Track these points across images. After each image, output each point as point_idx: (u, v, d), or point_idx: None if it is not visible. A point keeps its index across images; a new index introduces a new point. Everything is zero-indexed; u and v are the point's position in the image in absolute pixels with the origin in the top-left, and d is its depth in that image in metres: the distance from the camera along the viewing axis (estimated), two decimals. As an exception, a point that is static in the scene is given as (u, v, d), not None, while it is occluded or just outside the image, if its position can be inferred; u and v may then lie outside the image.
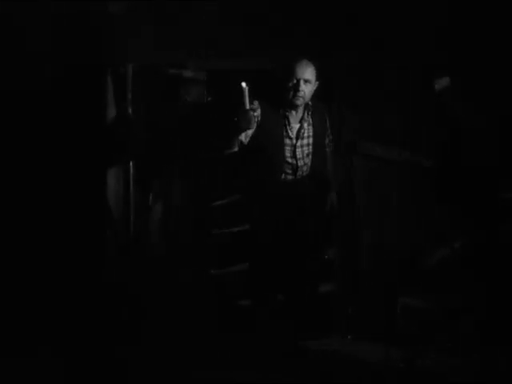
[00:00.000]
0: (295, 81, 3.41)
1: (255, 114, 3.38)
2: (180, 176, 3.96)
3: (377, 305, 3.88)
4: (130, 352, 3.57)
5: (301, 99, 3.43)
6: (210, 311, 3.97)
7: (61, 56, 3.87)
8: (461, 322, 3.54)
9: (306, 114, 3.55)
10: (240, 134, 3.37)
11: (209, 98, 4.18)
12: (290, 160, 3.54)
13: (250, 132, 3.42)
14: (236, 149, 3.44)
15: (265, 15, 3.94)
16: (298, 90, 3.41)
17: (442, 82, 3.89)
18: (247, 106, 3.23)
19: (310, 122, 3.57)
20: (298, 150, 3.55)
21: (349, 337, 3.82)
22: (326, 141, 3.72)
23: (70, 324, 3.74)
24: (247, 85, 3.19)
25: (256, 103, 3.42)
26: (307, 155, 3.58)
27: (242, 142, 3.43)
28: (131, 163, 3.89)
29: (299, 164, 3.55)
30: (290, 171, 3.56)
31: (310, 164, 3.60)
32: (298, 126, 3.55)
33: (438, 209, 3.94)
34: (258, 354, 3.54)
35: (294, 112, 3.52)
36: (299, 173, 3.57)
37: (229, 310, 4.11)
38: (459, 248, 3.82)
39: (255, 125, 3.37)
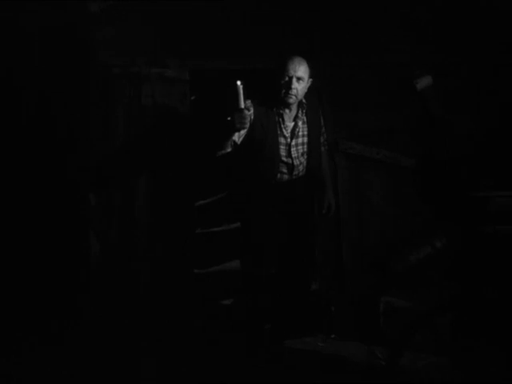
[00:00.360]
0: (287, 78, 3.34)
1: (249, 112, 3.28)
2: (165, 175, 3.96)
3: (360, 304, 3.88)
4: (115, 349, 3.56)
5: (293, 97, 3.36)
6: (193, 310, 3.97)
7: (43, 57, 3.85)
8: (443, 321, 3.55)
9: (300, 112, 3.48)
10: (234, 133, 3.28)
11: (192, 97, 4.17)
12: (285, 159, 3.47)
13: (243, 132, 3.33)
14: (229, 149, 3.35)
15: (252, 15, 3.93)
16: (291, 88, 3.33)
17: (424, 81, 3.90)
18: (242, 105, 3.14)
19: (305, 120, 3.51)
20: (293, 150, 3.48)
21: (332, 336, 3.83)
22: (321, 140, 3.67)
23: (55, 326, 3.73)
24: (242, 83, 3.11)
25: (249, 102, 3.34)
26: (302, 154, 3.51)
27: (235, 142, 3.35)
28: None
29: (295, 163, 3.49)
30: (285, 171, 3.49)
31: (305, 163, 3.54)
32: (292, 124, 3.49)
33: (419, 208, 3.94)
34: (242, 354, 3.54)
35: (287, 110, 3.45)
36: (295, 172, 3.51)
37: (212, 310, 4.10)
38: (441, 247, 3.83)
39: (249, 124, 3.27)
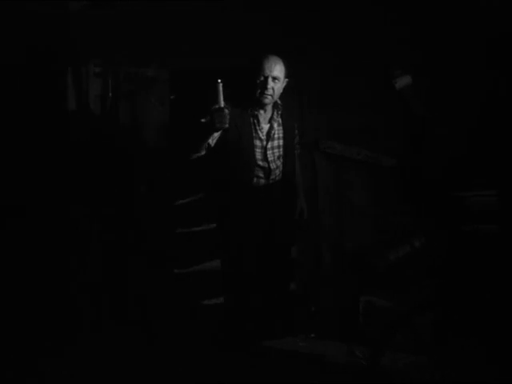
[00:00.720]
0: (263, 78, 3.27)
1: (228, 112, 3.13)
2: (145, 175, 3.95)
3: (340, 303, 3.89)
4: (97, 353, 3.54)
5: (269, 97, 3.29)
6: (174, 310, 3.96)
7: (20, 55, 3.80)
8: (423, 320, 3.57)
9: (275, 113, 3.41)
10: (213, 133, 3.19)
11: (172, 97, 4.14)
12: (261, 163, 3.38)
13: (216, 134, 3.24)
14: (203, 152, 3.28)
15: (234, 15, 3.91)
16: (266, 88, 3.26)
17: (403, 81, 3.91)
18: (222, 104, 3.06)
19: (280, 122, 3.43)
20: (269, 153, 3.40)
21: (312, 335, 3.83)
22: (294, 142, 3.59)
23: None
24: (222, 82, 3.05)
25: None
26: (278, 158, 3.43)
27: (209, 144, 3.26)
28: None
29: (272, 167, 3.40)
30: (262, 175, 3.40)
31: (281, 167, 3.46)
32: (267, 126, 3.40)
33: (400, 208, 3.96)
34: (222, 354, 3.52)
35: (262, 111, 3.38)
36: (272, 177, 3.43)
37: (193, 309, 4.09)
38: (420, 246, 3.86)
39: (228, 124, 3.13)
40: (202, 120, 3.15)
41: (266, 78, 3.27)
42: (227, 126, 3.13)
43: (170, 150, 3.92)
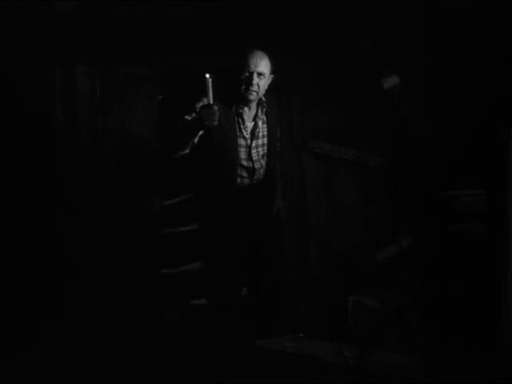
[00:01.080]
0: (248, 74, 3.22)
1: (217, 108, 3.07)
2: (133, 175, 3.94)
3: (328, 303, 3.89)
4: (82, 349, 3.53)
5: (254, 94, 3.24)
6: (161, 310, 3.94)
7: (8, 55, 3.78)
8: (413, 319, 3.58)
9: (259, 111, 3.36)
10: (201, 130, 3.14)
11: (160, 96, 4.14)
12: (245, 163, 3.35)
13: (201, 132, 3.19)
14: (187, 150, 3.24)
15: (222, 14, 3.90)
16: (251, 84, 3.21)
17: (391, 81, 3.91)
18: (211, 100, 3.02)
19: (265, 120, 3.39)
20: (254, 152, 3.36)
21: (301, 335, 3.82)
22: (277, 139, 3.55)
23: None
24: (211, 77, 3.01)
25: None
26: (262, 157, 3.40)
27: (193, 142, 3.22)
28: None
29: (256, 167, 3.37)
30: (246, 175, 3.38)
31: (265, 166, 3.43)
32: (252, 124, 3.36)
33: (389, 207, 3.97)
34: (211, 354, 3.51)
35: (246, 109, 3.33)
36: (256, 176, 3.40)
37: (181, 310, 4.08)
38: (408, 246, 3.86)
39: (216, 122, 3.09)
40: (187, 117, 3.12)
41: (251, 74, 3.22)
42: (216, 123, 3.08)
43: (159, 150, 3.91)
